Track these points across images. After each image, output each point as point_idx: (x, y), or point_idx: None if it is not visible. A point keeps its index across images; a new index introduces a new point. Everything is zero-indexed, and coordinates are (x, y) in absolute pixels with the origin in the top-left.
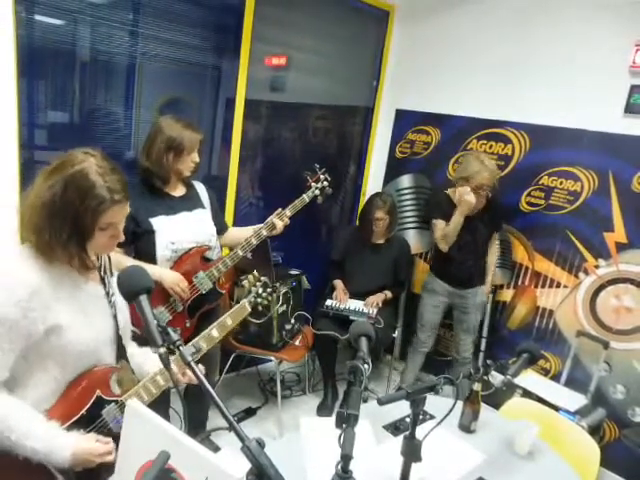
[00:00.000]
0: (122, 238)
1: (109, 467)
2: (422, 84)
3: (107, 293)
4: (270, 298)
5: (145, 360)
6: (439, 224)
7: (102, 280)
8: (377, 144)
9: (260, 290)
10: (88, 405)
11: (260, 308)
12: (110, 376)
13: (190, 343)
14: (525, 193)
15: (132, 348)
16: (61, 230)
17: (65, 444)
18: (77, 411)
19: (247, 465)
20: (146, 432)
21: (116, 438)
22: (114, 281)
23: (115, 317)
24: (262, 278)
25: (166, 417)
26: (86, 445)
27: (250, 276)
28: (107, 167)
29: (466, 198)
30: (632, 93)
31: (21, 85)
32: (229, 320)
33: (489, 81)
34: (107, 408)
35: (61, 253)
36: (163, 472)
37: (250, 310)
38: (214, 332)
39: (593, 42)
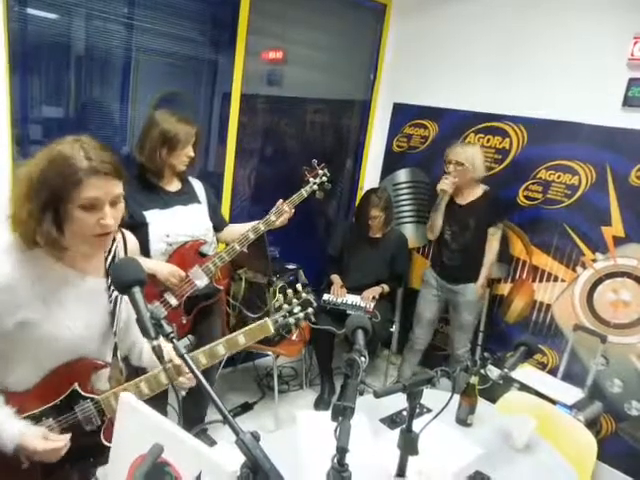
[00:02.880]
0: (111, 223)
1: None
2: (419, 78)
3: (109, 287)
4: (310, 319)
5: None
6: (431, 215)
7: (107, 272)
8: (374, 138)
9: (297, 309)
10: (62, 396)
11: (286, 331)
12: (93, 371)
13: (191, 354)
14: (523, 187)
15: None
16: (34, 201)
17: (9, 435)
18: (50, 399)
19: (242, 458)
20: (139, 425)
21: (85, 435)
22: None
23: (113, 313)
24: (304, 295)
25: (163, 413)
26: (27, 443)
27: (289, 290)
28: (94, 145)
29: (441, 183)
30: (630, 86)
31: (13, 80)
32: (242, 338)
33: (486, 74)
34: (81, 404)
35: (35, 231)
36: (156, 465)
37: (273, 332)
38: (220, 349)
39: (591, 34)
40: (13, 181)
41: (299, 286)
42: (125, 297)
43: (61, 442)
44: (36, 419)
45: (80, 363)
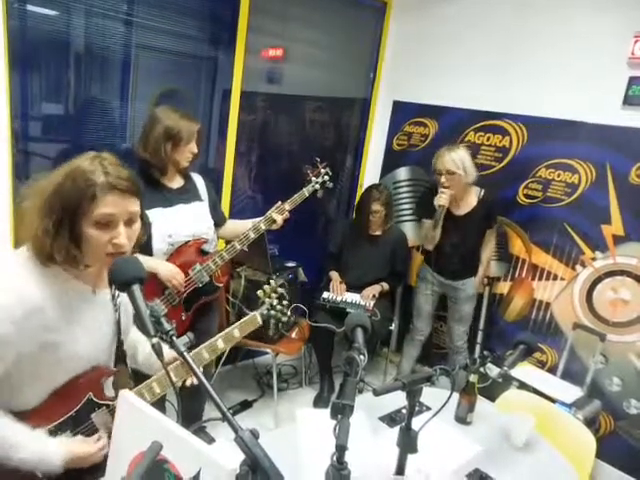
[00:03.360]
0: (124, 243)
1: (94, 468)
2: (419, 76)
3: (113, 296)
4: (286, 312)
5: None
6: (426, 223)
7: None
8: (374, 136)
9: (275, 302)
10: (78, 407)
11: (272, 322)
12: (104, 379)
13: (194, 350)
14: (522, 185)
15: (137, 334)
16: (50, 215)
17: (55, 454)
18: (66, 412)
19: (241, 456)
20: (139, 423)
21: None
22: None
23: (118, 321)
24: (279, 289)
25: (162, 410)
26: (77, 451)
27: (266, 286)
28: (114, 162)
29: (438, 197)
30: (630, 85)
31: (13, 77)
32: (237, 332)
33: (486, 73)
34: (97, 412)
35: (51, 247)
36: (155, 463)
37: (261, 323)
38: (219, 343)
39: (591, 33)
40: (26, 196)
41: (273, 282)
42: (125, 303)
43: (103, 440)
44: (52, 433)
45: (91, 373)
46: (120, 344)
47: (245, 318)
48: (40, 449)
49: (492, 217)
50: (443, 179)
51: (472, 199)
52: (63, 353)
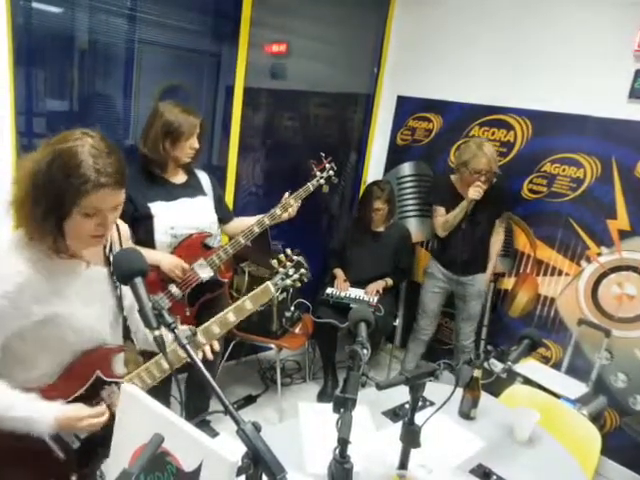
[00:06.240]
0: (110, 229)
1: (107, 442)
2: (423, 70)
3: (112, 273)
4: (304, 280)
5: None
6: (438, 210)
7: (107, 260)
8: (378, 131)
9: (291, 271)
10: (87, 385)
11: (289, 290)
12: (112, 357)
13: (204, 325)
14: (527, 180)
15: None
16: (39, 203)
17: (47, 409)
18: (76, 390)
19: (243, 449)
20: (141, 415)
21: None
22: None
23: (120, 297)
24: (295, 257)
25: (166, 404)
26: (69, 408)
27: (281, 255)
28: (103, 149)
29: (471, 192)
30: (636, 78)
31: (17, 73)
32: (248, 303)
33: (491, 67)
34: (107, 389)
35: (36, 230)
36: (157, 455)
37: (275, 293)
38: (230, 316)
39: (596, 26)
40: (16, 177)
41: (288, 250)
42: None
43: (103, 408)
44: None
45: (99, 350)
46: (124, 320)
47: (258, 289)
48: (31, 406)
49: (502, 203)
50: (483, 179)
51: (482, 187)
52: (64, 325)
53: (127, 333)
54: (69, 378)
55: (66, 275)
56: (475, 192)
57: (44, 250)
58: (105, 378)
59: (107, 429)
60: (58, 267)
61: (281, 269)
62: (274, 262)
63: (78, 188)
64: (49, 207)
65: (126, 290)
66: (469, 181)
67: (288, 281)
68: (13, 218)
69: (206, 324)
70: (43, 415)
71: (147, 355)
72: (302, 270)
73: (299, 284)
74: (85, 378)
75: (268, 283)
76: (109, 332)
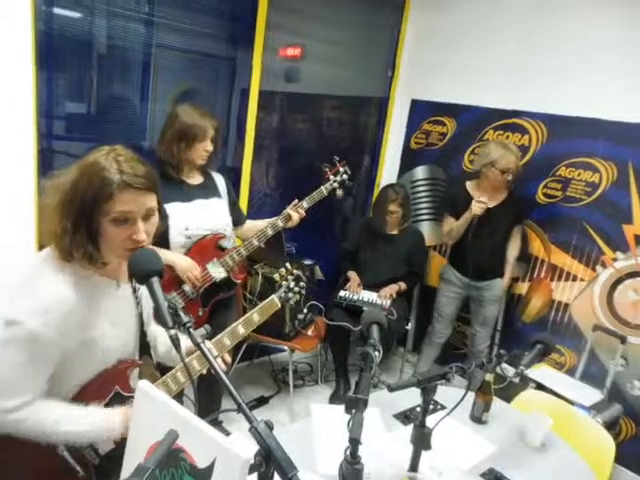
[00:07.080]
0: (143, 238)
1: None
2: (438, 74)
3: (134, 289)
4: (303, 292)
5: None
6: (447, 220)
7: (131, 276)
8: (392, 135)
9: (292, 284)
10: (106, 401)
11: (291, 304)
12: (130, 372)
13: (215, 338)
14: (542, 184)
15: (157, 327)
16: (68, 216)
17: (111, 412)
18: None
19: (256, 447)
20: (156, 412)
21: None
22: None
23: (140, 314)
24: (295, 271)
25: (179, 403)
26: (119, 409)
27: (282, 269)
28: (128, 156)
29: (475, 206)
30: None
31: (39, 77)
32: (256, 316)
33: (505, 70)
34: (125, 405)
35: (70, 245)
36: (172, 451)
37: (280, 306)
38: (240, 329)
39: (612, 28)
40: (46, 193)
41: (288, 265)
42: (146, 296)
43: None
44: None
45: (118, 366)
46: (143, 335)
47: (264, 302)
48: (93, 414)
49: (520, 211)
50: (510, 177)
51: (503, 191)
52: (94, 348)
53: (144, 348)
54: (87, 395)
55: (100, 296)
56: (478, 208)
57: (79, 269)
58: (124, 393)
59: (122, 441)
60: (95, 289)
61: (283, 282)
62: (276, 276)
63: (102, 191)
64: (77, 216)
65: (144, 303)
66: (496, 182)
67: (290, 294)
68: (44, 234)
69: (217, 337)
70: (110, 418)
71: (163, 370)
72: (301, 283)
73: (298, 297)
74: (104, 394)
75: (274, 297)
76: (130, 350)
